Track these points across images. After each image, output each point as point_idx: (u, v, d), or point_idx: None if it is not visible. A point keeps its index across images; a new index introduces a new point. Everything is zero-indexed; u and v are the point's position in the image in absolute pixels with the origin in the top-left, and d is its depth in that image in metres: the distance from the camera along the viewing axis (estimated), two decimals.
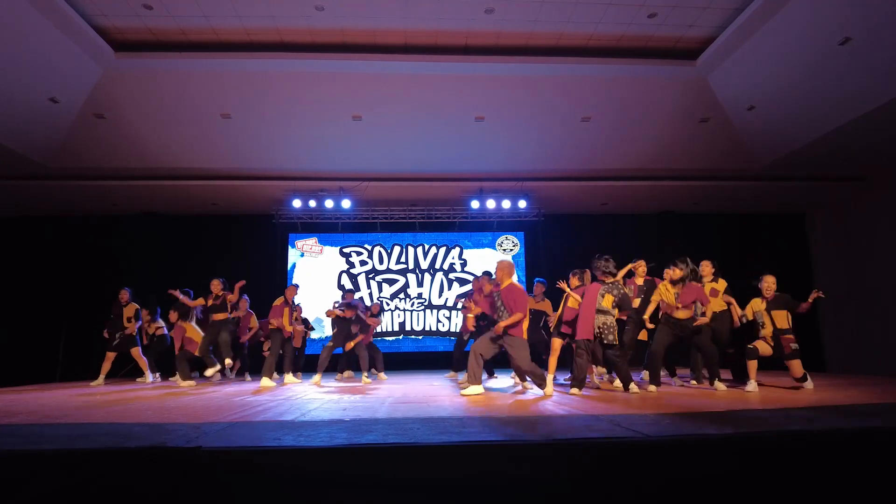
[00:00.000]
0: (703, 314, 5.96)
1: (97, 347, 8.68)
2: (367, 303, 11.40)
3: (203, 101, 8.92)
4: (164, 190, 10.75)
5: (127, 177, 10.26)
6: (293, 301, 8.41)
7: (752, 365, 5.90)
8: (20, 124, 8.43)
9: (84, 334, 9.41)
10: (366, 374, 7.96)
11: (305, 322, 9.16)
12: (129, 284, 8.49)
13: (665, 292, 6.03)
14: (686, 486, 2.50)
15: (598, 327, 5.75)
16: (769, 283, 6.11)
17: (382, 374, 8.92)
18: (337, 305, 8.39)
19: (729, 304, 6.61)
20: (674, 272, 6.01)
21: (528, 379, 5.91)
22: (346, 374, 9.20)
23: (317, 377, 7.56)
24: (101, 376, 8.23)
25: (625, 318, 6.31)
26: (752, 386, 5.73)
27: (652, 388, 5.78)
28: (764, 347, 5.99)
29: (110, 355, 8.38)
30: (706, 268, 6.74)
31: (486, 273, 7.55)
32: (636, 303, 6.60)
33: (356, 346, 8.07)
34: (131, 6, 7.30)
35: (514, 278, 5.79)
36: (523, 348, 5.52)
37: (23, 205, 11.37)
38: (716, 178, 10.84)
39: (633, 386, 5.67)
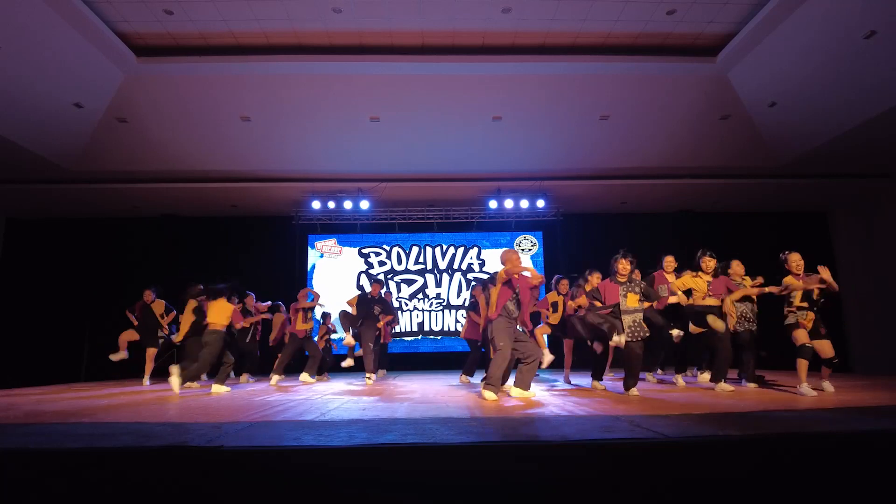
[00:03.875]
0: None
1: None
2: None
3: (223, 104, 9.03)
4: (184, 192, 10.90)
5: (148, 179, 10.42)
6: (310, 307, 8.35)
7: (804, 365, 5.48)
8: (45, 129, 8.61)
9: (107, 334, 9.57)
10: (371, 375, 7.71)
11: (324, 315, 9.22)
12: (150, 285, 8.51)
13: (697, 280, 5.92)
14: (707, 488, 2.47)
15: (629, 326, 5.59)
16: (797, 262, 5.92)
17: (381, 373, 8.94)
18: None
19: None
20: (708, 263, 5.94)
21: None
22: (381, 373, 9.20)
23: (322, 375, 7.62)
24: (146, 376, 8.16)
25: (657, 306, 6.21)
26: (805, 388, 5.28)
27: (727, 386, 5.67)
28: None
29: (151, 352, 8.14)
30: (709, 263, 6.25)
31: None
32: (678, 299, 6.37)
33: (364, 348, 7.80)
34: (152, 12, 7.41)
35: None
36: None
37: (47, 208, 11.61)
38: (736, 177, 10.71)
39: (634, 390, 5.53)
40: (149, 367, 8.17)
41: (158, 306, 8.29)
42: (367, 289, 11.76)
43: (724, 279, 5.97)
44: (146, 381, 8.12)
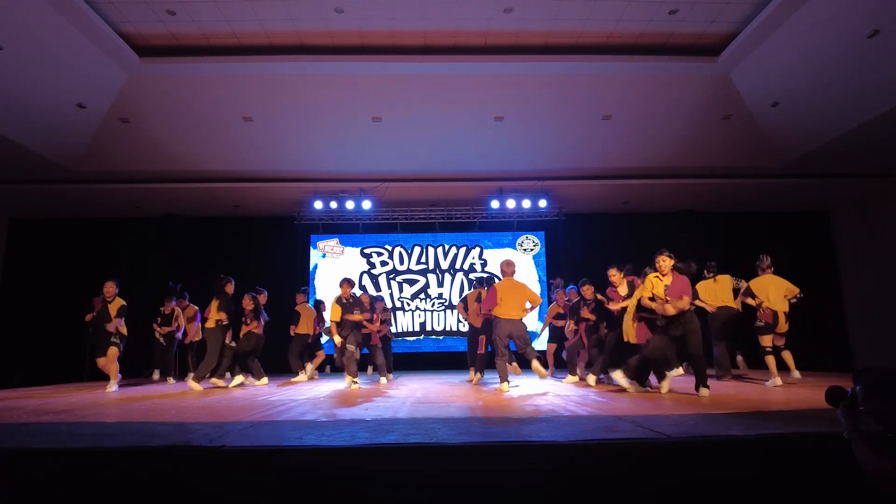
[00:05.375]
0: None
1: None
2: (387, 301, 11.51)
3: (225, 105, 9.03)
4: (187, 192, 10.91)
5: (150, 179, 10.43)
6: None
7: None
8: (48, 129, 8.62)
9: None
10: (350, 377, 7.35)
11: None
12: (152, 285, 8.43)
13: (656, 283, 5.61)
14: (710, 487, 2.47)
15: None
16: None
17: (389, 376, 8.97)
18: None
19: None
20: (664, 262, 5.64)
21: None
22: (389, 376, 9.16)
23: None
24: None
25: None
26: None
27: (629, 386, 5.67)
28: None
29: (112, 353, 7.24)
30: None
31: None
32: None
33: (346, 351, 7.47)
34: (155, 12, 7.42)
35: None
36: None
37: (50, 208, 11.63)
38: (738, 176, 10.69)
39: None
40: (113, 368, 7.22)
41: (115, 307, 7.33)
42: (371, 290, 11.87)
43: (684, 281, 5.63)
44: (112, 386, 7.07)
